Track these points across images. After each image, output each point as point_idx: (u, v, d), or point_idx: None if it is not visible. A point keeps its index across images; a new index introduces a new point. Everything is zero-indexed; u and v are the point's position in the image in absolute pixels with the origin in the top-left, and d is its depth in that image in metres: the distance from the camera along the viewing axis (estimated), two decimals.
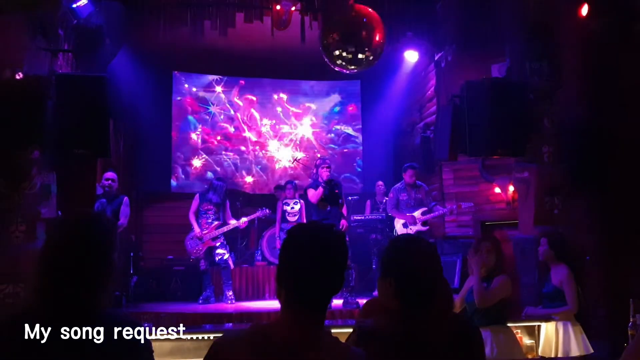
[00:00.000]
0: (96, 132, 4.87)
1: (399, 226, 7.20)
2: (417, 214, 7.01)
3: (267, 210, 7.90)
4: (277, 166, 9.83)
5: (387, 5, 7.67)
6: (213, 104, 9.57)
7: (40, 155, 4.72)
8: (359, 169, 10.17)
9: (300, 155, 9.80)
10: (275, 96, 9.63)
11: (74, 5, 5.08)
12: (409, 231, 6.98)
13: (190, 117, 9.56)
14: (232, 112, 9.64)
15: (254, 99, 9.58)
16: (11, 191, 4.58)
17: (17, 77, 4.54)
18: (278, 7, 7.04)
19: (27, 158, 4.62)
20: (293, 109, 9.87)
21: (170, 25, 7.01)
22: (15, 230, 4.58)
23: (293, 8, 7.04)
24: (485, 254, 3.79)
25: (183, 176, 9.61)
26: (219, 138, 9.65)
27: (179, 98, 9.51)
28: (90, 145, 4.87)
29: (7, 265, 4.37)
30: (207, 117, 9.66)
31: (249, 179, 9.69)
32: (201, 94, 9.54)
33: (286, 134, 9.87)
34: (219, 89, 9.53)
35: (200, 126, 9.55)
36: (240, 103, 9.60)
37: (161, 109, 9.51)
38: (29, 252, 4.42)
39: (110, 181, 6.46)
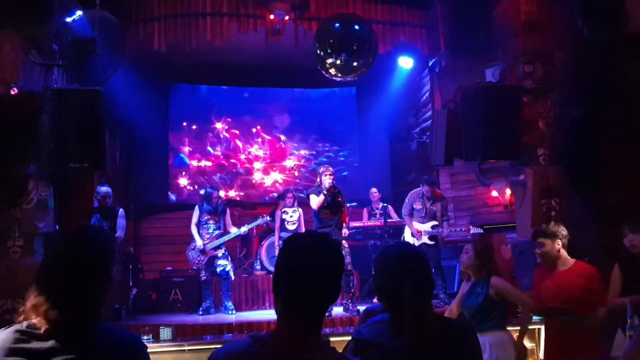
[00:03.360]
0: (92, 146, 4.87)
1: (407, 234, 7.11)
2: (425, 227, 6.92)
3: (268, 219, 7.95)
4: (263, 182, 10.26)
5: (380, 11, 7.73)
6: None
7: (36, 170, 4.72)
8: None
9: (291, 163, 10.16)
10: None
11: (68, 20, 5.08)
12: (415, 242, 6.89)
13: (187, 148, 10.07)
14: (221, 142, 10.25)
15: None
16: (8, 206, 4.59)
17: (12, 92, 4.55)
18: (272, 16, 7.07)
19: (23, 173, 4.62)
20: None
21: (165, 37, 7.04)
22: (13, 245, 4.58)
23: (287, 17, 7.07)
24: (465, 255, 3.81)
25: (183, 189, 9.88)
26: (209, 164, 10.08)
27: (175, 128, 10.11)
28: (86, 159, 4.87)
29: (6, 280, 4.37)
30: (200, 146, 10.12)
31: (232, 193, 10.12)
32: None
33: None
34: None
35: (194, 155, 10.12)
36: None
37: (158, 120, 9.53)
38: (28, 266, 4.42)
39: (105, 197, 6.42)
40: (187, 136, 10.04)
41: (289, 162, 10.32)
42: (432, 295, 1.86)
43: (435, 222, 6.92)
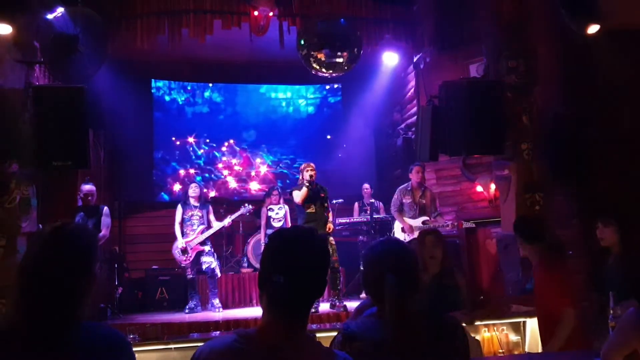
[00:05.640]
0: (75, 144, 4.82)
1: (397, 230, 7.01)
2: (416, 222, 6.80)
3: (251, 207, 7.93)
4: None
5: (365, 8, 7.73)
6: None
7: (19, 168, 4.67)
8: None
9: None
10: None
11: (49, 16, 5.02)
12: (406, 237, 6.79)
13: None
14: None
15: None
16: None
17: None
18: (256, 12, 7.04)
19: (5, 172, 4.56)
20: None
21: (148, 34, 6.98)
22: None
23: (271, 13, 7.05)
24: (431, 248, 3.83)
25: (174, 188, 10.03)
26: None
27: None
28: (69, 157, 4.81)
29: None
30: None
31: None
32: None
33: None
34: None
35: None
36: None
37: (142, 117, 9.46)
38: (10, 267, 4.37)
39: (89, 196, 6.37)
40: (172, 146, 10.25)
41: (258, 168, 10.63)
42: (417, 291, 1.85)
43: (426, 217, 6.83)
